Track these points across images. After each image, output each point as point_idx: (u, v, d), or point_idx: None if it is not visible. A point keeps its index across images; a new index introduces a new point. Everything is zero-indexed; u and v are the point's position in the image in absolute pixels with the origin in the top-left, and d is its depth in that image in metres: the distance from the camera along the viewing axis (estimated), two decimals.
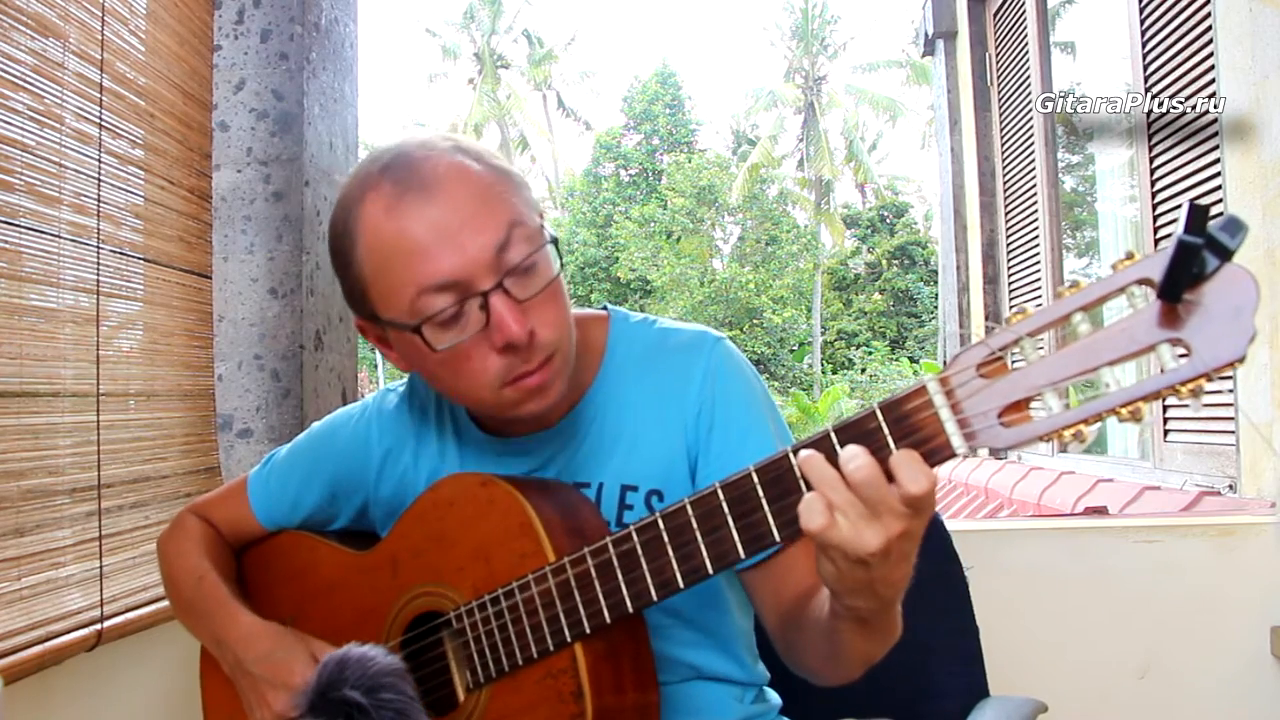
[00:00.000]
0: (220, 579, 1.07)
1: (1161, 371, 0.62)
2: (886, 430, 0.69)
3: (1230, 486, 2.20)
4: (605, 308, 1.04)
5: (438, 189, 0.84)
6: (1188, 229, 0.57)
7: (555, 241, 0.89)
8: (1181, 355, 0.59)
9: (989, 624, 1.24)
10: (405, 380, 1.10)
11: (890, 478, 0.68)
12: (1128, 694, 1.88)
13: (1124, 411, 0.62)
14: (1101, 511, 2.26)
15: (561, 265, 0.90)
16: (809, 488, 0.72)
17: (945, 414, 0.67)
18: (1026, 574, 1.91)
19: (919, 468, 0.67)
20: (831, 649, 0.83)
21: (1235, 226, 0.57)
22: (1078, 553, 1.94)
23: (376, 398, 1.10)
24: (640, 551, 0.82)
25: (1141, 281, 0.60)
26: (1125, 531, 1.93)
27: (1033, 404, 0.65)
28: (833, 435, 0.72)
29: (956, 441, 0.67)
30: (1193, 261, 0.57)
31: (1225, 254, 0.57)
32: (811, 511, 0.69)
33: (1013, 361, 0.66)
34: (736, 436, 0.95)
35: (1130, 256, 0.61)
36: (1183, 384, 0.59)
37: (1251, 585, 1.86)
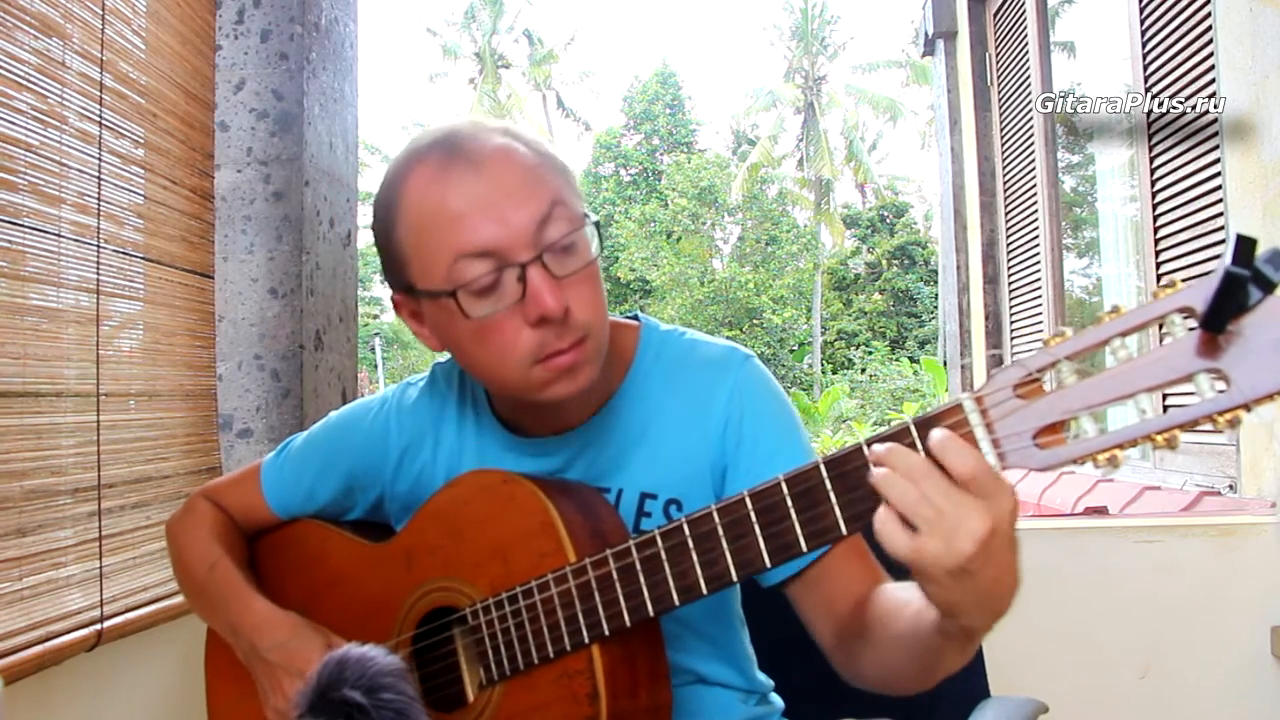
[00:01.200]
0: (233, 565, 1.06)
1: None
2: (920, 448, 0.69)
3: (1230, 486, 2.20)
4: (636, 316, 1.04)
5: (484, 164, 0.86)
6: (1235, 260, 0.56)
7: (598, 225, 0.90)
8: (1220, 385, 0.59)
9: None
10: (426, 375, 1.09)
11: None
12: (1128, 694, 1.88)
13: (1159, 439, 0.62)
14: (1101, 511, 2.26)
15: (602, 249, 0.91)
16: (838, 499, 0.72)
17: (980, 433, 0.67)
18: (1027, 574, 1.89)
19: (958, 445, 0.66)
20: (921, 666, 0.81)
21: None
22: (1078, 553, 1.94)
23: (397, 391, 1.09)
24: (664, 556, 0.82)
25: (1182, 310, 0.60)
26: (1125, 531, 1.94)
27: (1068, 427, 0.65)
28: (865, 449, 0.72)
29: (990, 460, 0.67)
30: (1238, 293, 0.57)
31: (1269, 286, 0.57)
32: (891, 533, 0.68)
33: (1049, 384, 0.65)
34: (766, 451, 0.94)
35: (1171, 285, 0.61)
36: (1220, 414, 0.59)
37: (1251, 585, 1.86)
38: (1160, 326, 0.61)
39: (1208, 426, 0.60)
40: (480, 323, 0.86)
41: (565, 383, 0.88)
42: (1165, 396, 0.62)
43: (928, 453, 0.68)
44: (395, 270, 0.92)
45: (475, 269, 0.85)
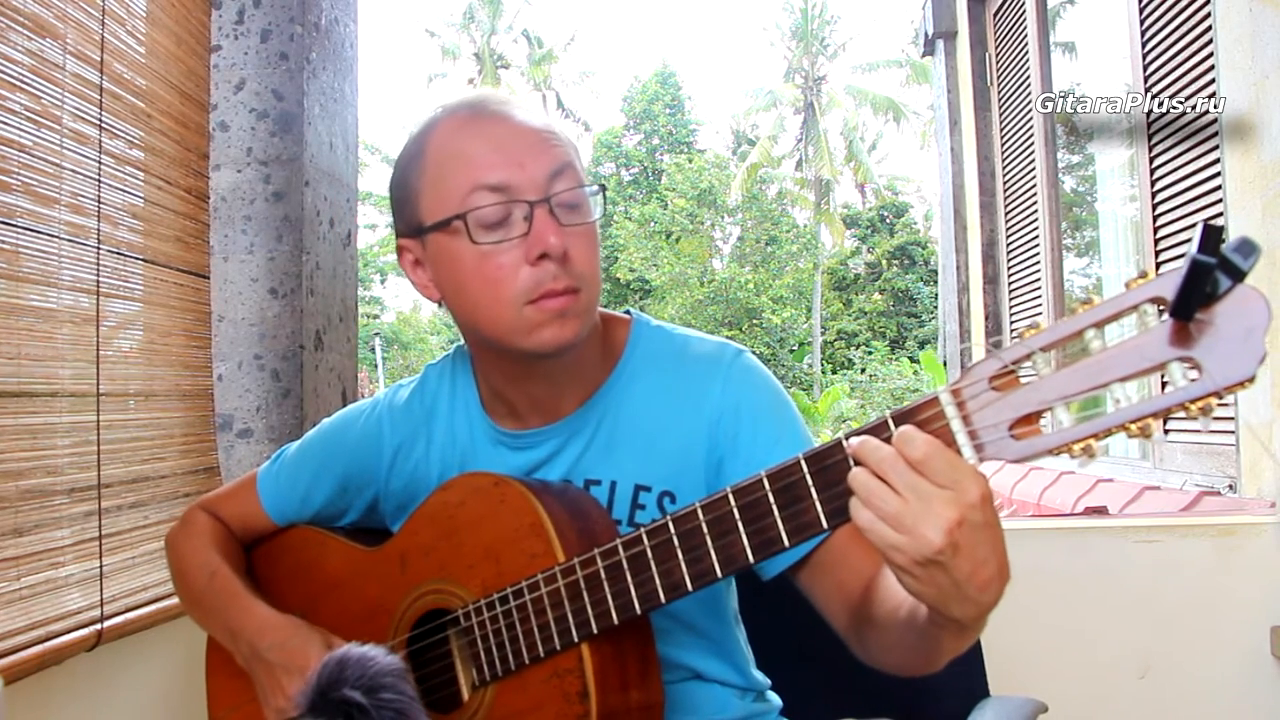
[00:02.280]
0: (232, 573, 1.08)
1: (1163, 389, 0.62)
2: None
3: (1230, 486, 2.20)
4: (629, 312, 1.05)
5: (508, 119, 0.94)
6: (1201, 249, 0.57)
7: (603, 188, 0.96)
8: (1192, 373, 0.60)
9: (989, 624, 1.24)
10: (418, 376, 1.10)
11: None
12: (1128, 694, 1.88)
13: (1133, 427, 0.63)
14: (1101, 511, 2.26)
15: (604, 214, 0.96)
16: (819, 494, 0.73)
17: (957, 425, 0.68)
18: (1026, 574, 1.89)
19: (913, 433, 0.68)
20: (922, 652, 0.83)
21: (1248, 248, 0.58)
22: (1078, 553, 1.94)
23: (388, 393, 1.11)
24: (650, 554, 0.83)
25: (1154, 300, 0.61)
26: (1125, 531, 1.93)
27: (1043, 418, 0.66)
28: (844, 443, 0.72)
29: (967, 452, 0.68)
30: (1205, 281, 0.58)
31: (1238, 275, 0.58)
32: (867, 521, 0.70)
33: (1024, 375, 0.66)
34: (765, 441, 0.95)
35: (1144, 275, 0.62)
36: (1192, 402, 0.60)
37: (1251, 585, 1.86)
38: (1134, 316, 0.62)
39: (1181, 414, 0.61)
40: (483, 252, 0.90)
41: (555, 328, 0.91)
42: (1164, 382, 0.62)
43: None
44: (407, 212, 0.96)
45: (487, 199, 0.90)
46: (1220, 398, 0.60)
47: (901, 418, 0.70)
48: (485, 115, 0.93)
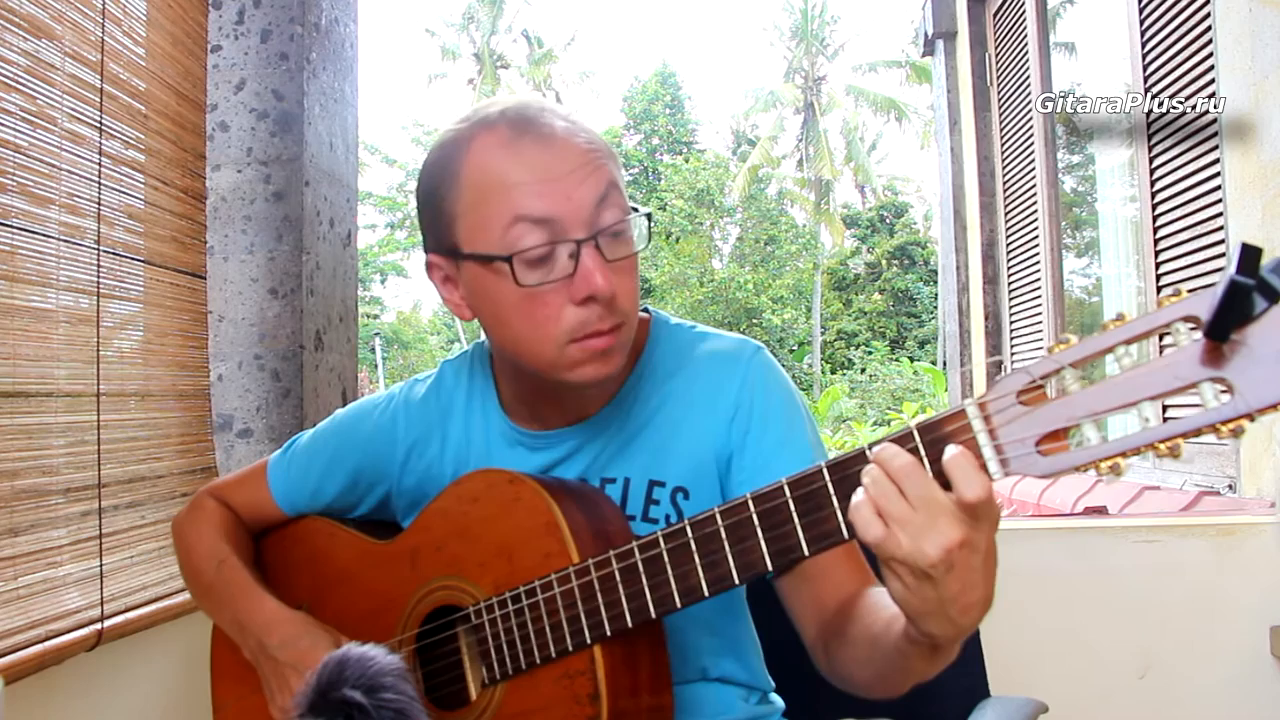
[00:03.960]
0: (241, 563, 1.07)
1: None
2: (923, 451, 0.70)
3: (1230, 486, 2.20)
4: (646, 310, 1.04)
5: (552, 139, 0.87)
6: (1239, 269, 0.56)
7: (649, 217, 0.91)
8: (1224, 394, 0.59)
9: (989, 624, 1.22)
10: (434, 372, 1.09)
11: (946, 486, 0.68)
12: (1128, 694, 1.88)
13: (1163, 447, 0.62)
14: (1101, 511, 2.26)
15: (649, 242, 0.92)
16: (841, 504, 0.73)
17: (983, 439, 0.67)
18: (1026, 574, 1.91)
19: (972, 472, 0.67)
20: (889, 669, 0.82)
21: None
22: (1078, 553, 1.94)
23: (404, 387, 1.09)
24: (667, 558, 0.82)
25: (1187, 319, 0.60)
26: (1125, 531, 1.93)
27: (1071, 434, 0.65)
28: (868, 452, 0.72)
29: (993, 467, 0.67)
30: (1243, 302, 0.57)
31: (1274, 296, 0.57)
32: (864, 520, 0.69)
33: (1052, 391, 0.66)
34: (771, 443, 0.95)
35: (1177, 294, 0.61)
36: (1224, 423, 0.59)
37: (1251, 585, 1.86)
38: (1164, 335, 0.61)
39: (1210, 436, 0.60)
40: (528, 292, 0.86)
41: (596, 365, 0.89)
42: (1165, 407, 0.62)
43: (935, 466, 0.68)
44: (440, 231, 0.92)
45: (531, 237, 0.86)
46: (1252, 419, 0.59)
47: (927, 429, 0.70)
48: (528, 135, 0.87)
